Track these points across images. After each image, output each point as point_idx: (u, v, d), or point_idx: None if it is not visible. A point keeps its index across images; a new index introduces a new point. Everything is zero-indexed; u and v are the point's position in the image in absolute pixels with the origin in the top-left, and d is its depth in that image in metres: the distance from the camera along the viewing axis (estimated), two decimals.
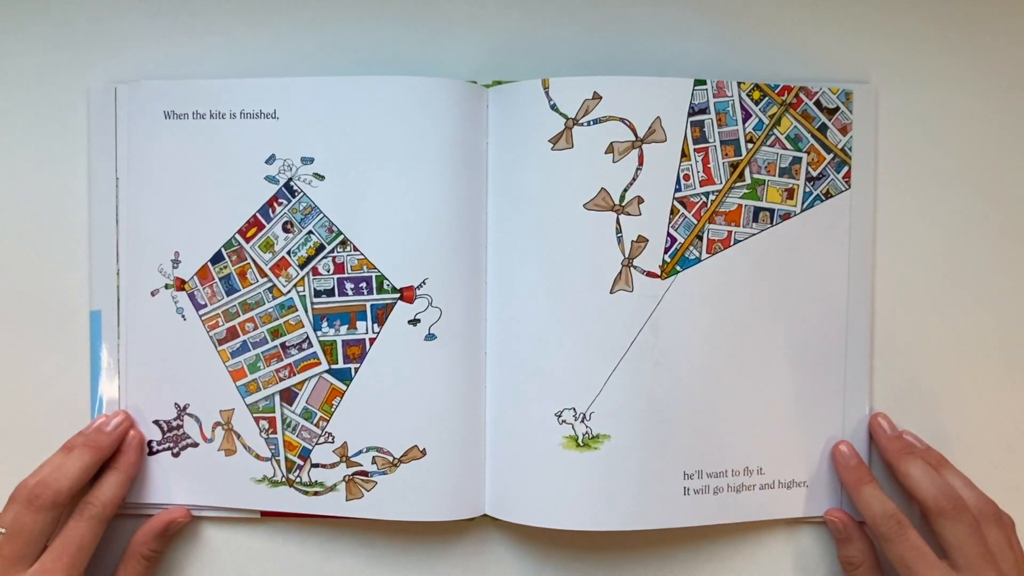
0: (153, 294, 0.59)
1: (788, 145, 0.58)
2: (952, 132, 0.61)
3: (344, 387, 0.58)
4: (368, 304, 0.57)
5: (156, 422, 0.59)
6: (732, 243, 0.58)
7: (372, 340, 0.57)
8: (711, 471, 0.58)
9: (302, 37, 0.61)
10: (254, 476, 0.59)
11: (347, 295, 0.58)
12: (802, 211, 0.59)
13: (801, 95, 0.58)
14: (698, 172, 0.57)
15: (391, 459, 0.57)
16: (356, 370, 0.58)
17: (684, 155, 0.57)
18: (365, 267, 0.57)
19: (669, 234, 0.57)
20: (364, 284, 0.57)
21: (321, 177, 0.57)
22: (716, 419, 0.58)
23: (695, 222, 0.57)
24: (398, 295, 0.57)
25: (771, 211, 0.58)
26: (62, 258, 0.60)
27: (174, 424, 0.59)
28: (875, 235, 0.60)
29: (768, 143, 0.58)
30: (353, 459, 0.58)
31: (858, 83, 0.60)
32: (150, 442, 0.59)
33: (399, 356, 0.57)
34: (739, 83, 0.58)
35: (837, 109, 0.59)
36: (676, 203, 0.57)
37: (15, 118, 0.61)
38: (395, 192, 0.57)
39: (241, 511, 0.59)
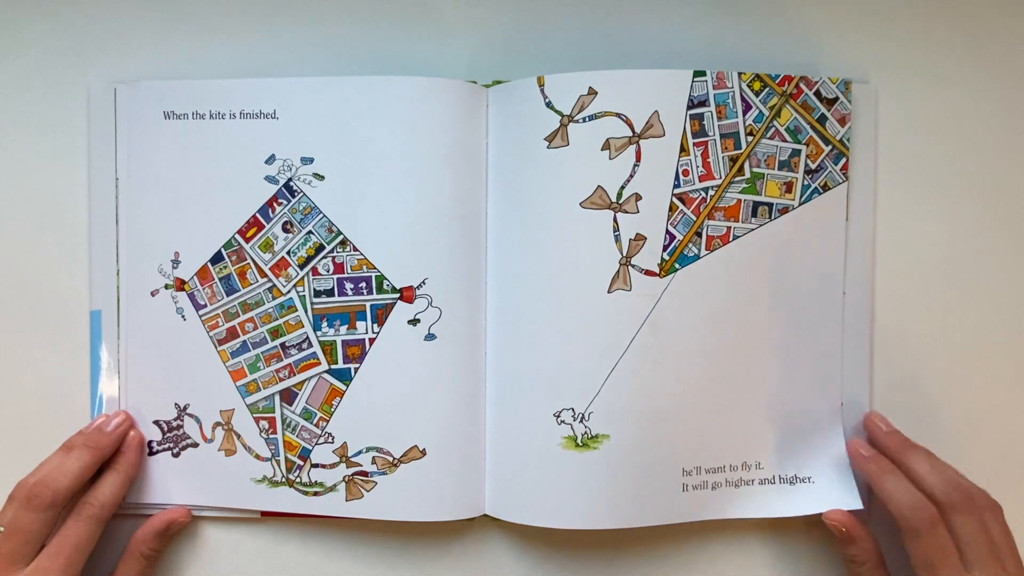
0: (153, 294, 0.59)
1: (788, 137, 0.58)
2: (951, 130, 0.60)
3: (344, 387, 0.58)
4: (368, 304, 0.57)
5: (156, 422, 0.59)
6: (731, 239, 0.57)
7: (372, 340, 0.57)
8: (709, 467, 0.57)
9: (302, 37, 0.61)
10: (254, 476, 0.59)
11: (347, 295, 0.58)
12: (800, 205, 0.58)
13: (801, 85, 0.58)
14: (697, 167, 0.57)
15: (391, 459, 0.57)
16: (356, 370, 0.57)
17: (683, 150, 0.56)
18: (365, 267, 0.57)
19: (668, 231, 0.56)
20: (364, 284, 0.57)
21: (321, 177, 0.57)
22: (714, 416, 0.57)
23: (694, 218, 0.57)
24: (398, 295, 0.57)
25: (769, 205, 0.58)
26: (62, 258, 0.60)
27: (174, 424, 0.59)
28: (875, 227, 0.60)
29: (768, 135, 0.57)
30: (353, 459, 0.57)
31: (858, 83, 0.59)
32: (150, 442, 0.59)
33: (399, 356, 0.57)
34: (740, 74, 0.57)
35: (836, 99, 0.58)
36: (675, 199, 0.56)
37: (15, 118, 0.61)
38: (395, 192, 0.57)
39: (241, 511, 0.59)
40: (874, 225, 0.60)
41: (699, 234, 0.57)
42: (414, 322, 0.57)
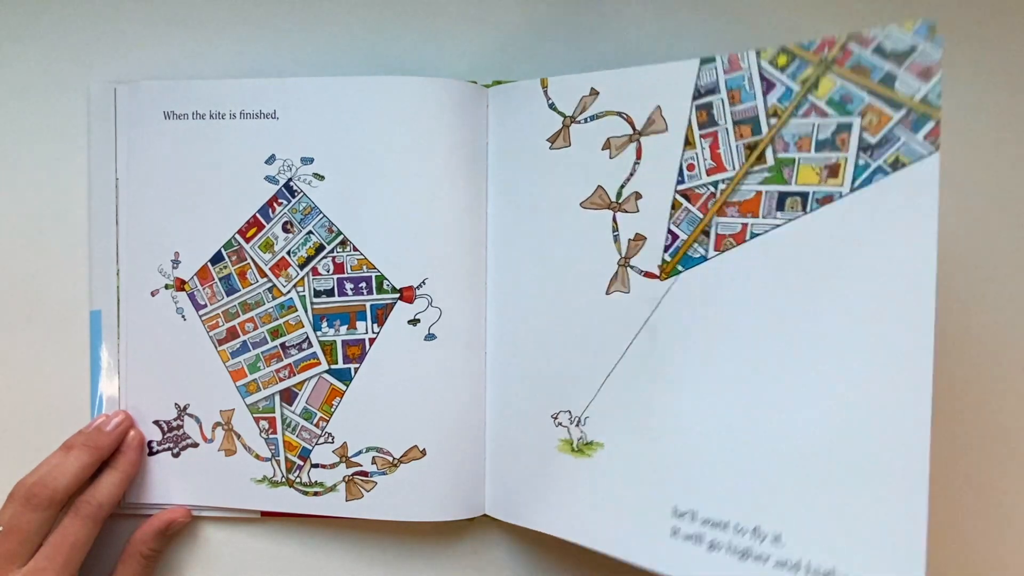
0: (153, 294, 0.59)
1: (830, 111, 0.47)
2: None
3: (344, 387, 0.58)
4: (368, 304, 0.57)
5: (156, 422, 0.59)
6: (748, 237, 0.49)
7: (372, 340, 0.57)
8: (708, 517, 0.48)
9: (302, 37, 0.61)
10: (254, 476, 0.58)
11: (347, 295, 0.57)
12: (852, 191, 0.46)
13: (851, 46, 0.46)
14: (705, 160, 0.51)
15: (391, 459, 0.57)
16: (356, 370, 0.57)
17: (688, 143, 0.51)
18: (365, 267, 0.57)
19: (670, 231, 0.52)
20: (364, 284, 0.57)
21: (321, 177, 0.57)
22: (721, 450, 0.49)
23: (701, 216, 0.51)
24: (398, 295, 0.57)
25: (803, 195, 0.47)
26: (62, 258, 0.60)
27: (174, 424, 0.59)
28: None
29: (800, 113, 0.48)
30: (353, 459, 0.57)
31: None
32: (150, 442, 0.59)
33: (399, 356, 0.57)
34: (758, 52, 0.49)
35: (913, 49, 0.44)
36: (678, 196, 0.52)
37: (15, 118, 0.61)
38: (395, 192, 0.57)
39: (241, 511, 0.59)
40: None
41: (706, 233, 0.51)
42: (414, 322, 0.57)
